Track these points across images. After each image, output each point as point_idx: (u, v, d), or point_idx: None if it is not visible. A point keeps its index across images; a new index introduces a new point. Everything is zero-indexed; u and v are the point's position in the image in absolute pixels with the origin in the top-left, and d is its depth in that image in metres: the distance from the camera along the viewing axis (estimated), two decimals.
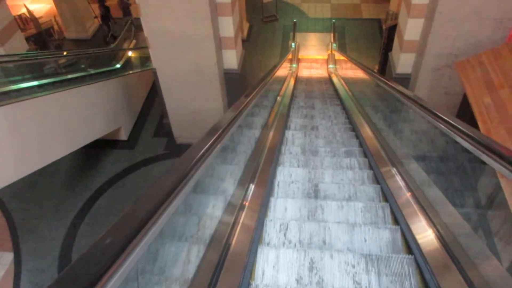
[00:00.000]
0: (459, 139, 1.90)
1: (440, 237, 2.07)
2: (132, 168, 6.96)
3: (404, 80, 6.11)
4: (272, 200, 2.59)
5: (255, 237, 2.15)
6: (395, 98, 3.12)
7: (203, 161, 1.54)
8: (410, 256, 2.04)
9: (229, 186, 2.33)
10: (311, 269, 2.02)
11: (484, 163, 1.68)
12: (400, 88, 3.04)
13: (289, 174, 3.14)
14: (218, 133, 1.85)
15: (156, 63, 6.17)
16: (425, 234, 2.17)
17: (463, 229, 2.02)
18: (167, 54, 5.98)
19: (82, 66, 6.78)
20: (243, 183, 2.57)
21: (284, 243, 2.23)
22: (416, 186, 2.53)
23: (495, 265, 1.78)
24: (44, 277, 5.39)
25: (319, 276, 1.99)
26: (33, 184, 6.64)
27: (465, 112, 4.74)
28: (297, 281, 1.97)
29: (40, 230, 5.97)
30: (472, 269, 1.77)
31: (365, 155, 3.58)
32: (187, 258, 1.72)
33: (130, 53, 8.44)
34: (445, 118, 2.10)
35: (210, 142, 1.70)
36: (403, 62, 6.11)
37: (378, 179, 2.97)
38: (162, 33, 5.70)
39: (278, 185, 2.87)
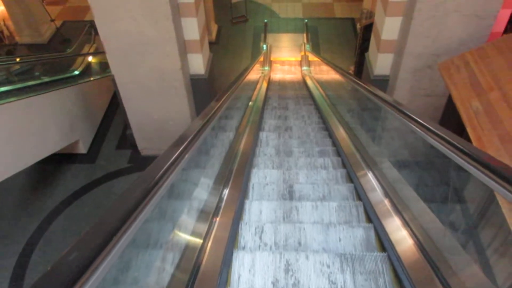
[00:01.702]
0: (447, 152, 1.86)
1: (412, 234, 2.29)
2: (93, 184, 6.91)
3: (383, 82, 6.19)
4: (247, 202, 2.76)
5: (230, 241, 2.31)
6: (368, 98, 3.40)
7: (171, 173, 1.60)
8: (383, 253, 2.27)
9: (203, 191, 2.48)
10: (287, 271, 2.18)
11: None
12: (373, 89, 3.29)
13: (263, 176, 3.34)
14: (185, 144, 1.87)
15: (115, 69, 6.14)
16: (398, 231, 2.40)
17: (434, 224, 2.26)
18: (126, 59, 5.97)
19: (36, 73, 6.69)
20: (217, 187, 2.73)
21: (259, 246, 2.41)
22: (389, 184, 2.78)
23: (466, 260, 2.01)
24: None
25: (295, 277, 2.16)
26: None
27: (452, 116, 4.69)
28: (273, 284, 2.13)
29: None
30: (444, 263, 1.97)
31: (339, 154, 3.84)
32: (162, 265, 1.84)
33: (90, 59, 8.40)
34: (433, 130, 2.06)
35: (177, 153, 1.73)
36: (381, 63, 6.18)
37: (351, 177, 3.21)
38: (119, 36, 5.68)
39: (252, 187, 3.06)
